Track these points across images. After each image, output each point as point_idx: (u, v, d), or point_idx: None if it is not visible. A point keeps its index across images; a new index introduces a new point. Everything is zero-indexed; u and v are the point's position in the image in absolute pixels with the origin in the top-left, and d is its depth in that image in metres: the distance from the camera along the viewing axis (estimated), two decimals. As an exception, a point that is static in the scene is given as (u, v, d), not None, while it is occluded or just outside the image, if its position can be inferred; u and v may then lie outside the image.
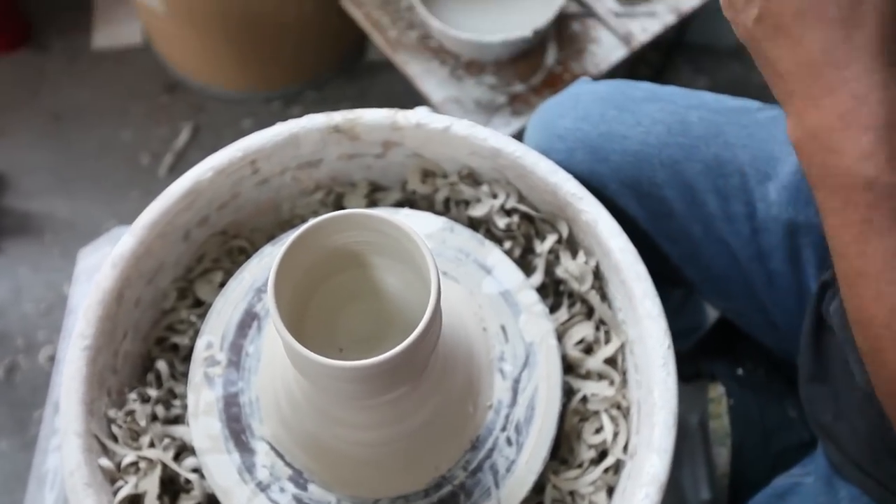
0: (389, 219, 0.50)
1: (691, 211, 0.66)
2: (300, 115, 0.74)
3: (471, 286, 0.68)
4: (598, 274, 0.72)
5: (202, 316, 0.72)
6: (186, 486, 0.65)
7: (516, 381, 0.65)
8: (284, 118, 0.82)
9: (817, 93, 0.41)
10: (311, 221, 0.50)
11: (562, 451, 0.67)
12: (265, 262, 0.70)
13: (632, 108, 0.68)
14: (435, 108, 1.10)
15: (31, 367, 1.22)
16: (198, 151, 1.43)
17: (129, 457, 0.64)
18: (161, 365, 0.71)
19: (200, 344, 0.67)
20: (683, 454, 0.84)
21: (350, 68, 1.53)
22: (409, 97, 1.18)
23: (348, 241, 0.54)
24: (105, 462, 0.63)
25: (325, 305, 0.58)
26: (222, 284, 0.73)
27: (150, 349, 0.73)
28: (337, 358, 0.48)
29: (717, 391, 0.78)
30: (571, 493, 0.65)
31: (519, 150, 0.71)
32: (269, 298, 0.48)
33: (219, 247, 0.76)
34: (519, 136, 0.91)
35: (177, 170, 1.41)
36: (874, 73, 0.40)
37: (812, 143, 0.41)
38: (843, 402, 0.60)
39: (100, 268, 0.70)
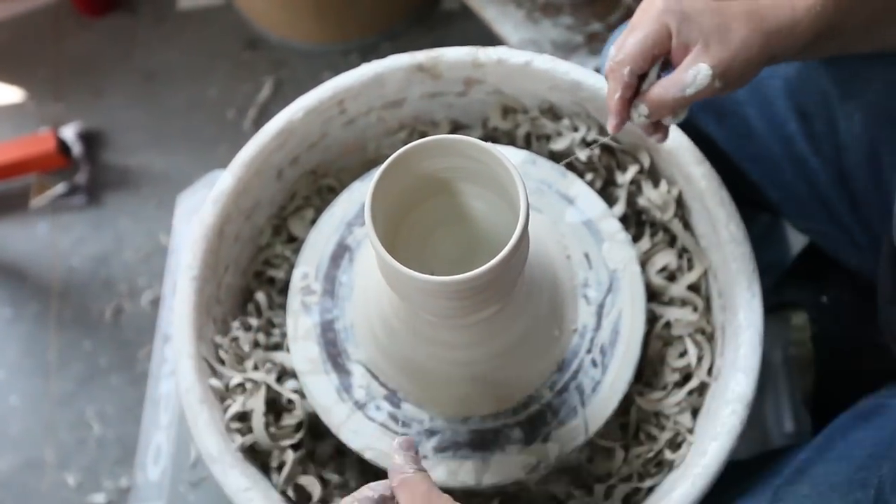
0: (479, 143, 0.52)
1: (772, 130, 0.66)
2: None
3: (554, 216, 0.70)
4: (680, 202, 0.72)
5: (296, 251, 0.76)
6: (288, 406, 0.69)
7: (601, 306, 0.66)
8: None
9: None
10: (405, 147, 0.53)
11: (646, 375, 0.68)
12: (355, 197, 0.73)
13: None
14: (512, 51, 1.10)
15: (134, 310, 1.30)
16: (280, 105, 1.45)
17: (235, 378, 0.69)
18: (260, 296, 0.75)
19: (297, 274, 0.71)
20: (767, 389, 0.84)
21: (425, 18, 1.54)
22: (485, 45, 1.18)
23: (438, 168, 0.56)
24: (215, 382, 0.68)
25: (415, 231, 0.60)
26: (313, 221, 0.77)
27: (249, 282, 0.77)
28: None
29: (801, 319, 0.77)
30: (656, 415, 0.67)
31: (600, 83, 0.71)
32: (366, 221, 0.51)
33: (309, 185, 0.80)
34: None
35: (260, 123, 1.45)
36: None
37: None
38: None
39: (198, 209, 0.75)
